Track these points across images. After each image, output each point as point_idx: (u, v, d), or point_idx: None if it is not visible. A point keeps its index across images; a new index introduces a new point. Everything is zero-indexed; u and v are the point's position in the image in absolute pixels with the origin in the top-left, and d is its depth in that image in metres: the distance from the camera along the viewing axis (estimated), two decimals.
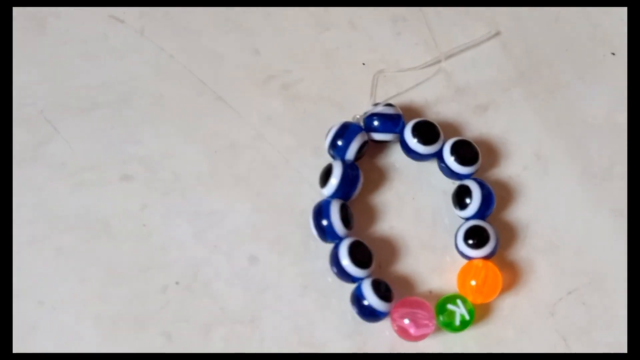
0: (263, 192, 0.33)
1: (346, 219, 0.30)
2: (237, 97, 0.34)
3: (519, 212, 0.32)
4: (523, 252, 0.32)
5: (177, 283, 0.31)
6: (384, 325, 0.30)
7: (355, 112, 0.33)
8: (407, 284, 0.31)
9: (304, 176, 0.33)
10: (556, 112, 0.34)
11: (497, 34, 0.35)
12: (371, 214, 0.32)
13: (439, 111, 0.34)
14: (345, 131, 0.32)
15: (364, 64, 0.35)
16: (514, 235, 0.32)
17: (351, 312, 0.30)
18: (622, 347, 0.30)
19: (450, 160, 0.31)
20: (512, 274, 0.32)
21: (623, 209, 0.32)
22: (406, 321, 0.29)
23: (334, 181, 0.31)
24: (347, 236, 0.30)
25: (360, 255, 0.30)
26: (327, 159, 0.32)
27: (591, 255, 0.32)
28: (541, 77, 0.35)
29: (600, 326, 0.31)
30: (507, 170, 0.33)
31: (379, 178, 0.33)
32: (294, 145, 0.33)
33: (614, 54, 0.35)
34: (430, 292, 0.31)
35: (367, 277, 0.30)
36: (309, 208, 0.31)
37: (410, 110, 0.34)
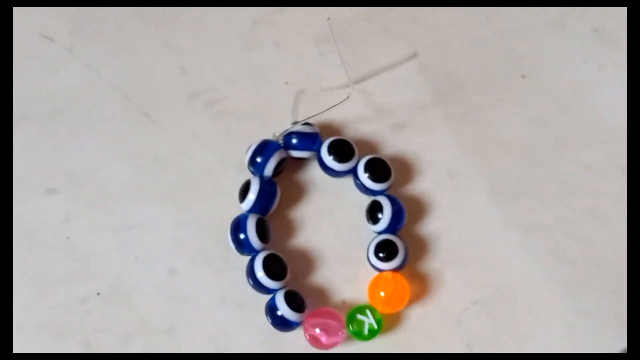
0: (186, 207, 0.34)
1: (262, 233, 0.32)
2: (163, 114, 0.35)
3: (431, 226, 0.34)
4: (433, 264, 0.33)
5: (98, 294, 0.32)
6: (298, 334, 0.31)
7: (277, 130, 0.34)
8: (322, 295, 0.33)
9: (226, 191, 0.34)
10: (470, 132, 0.36)
11: (415, 55, 0.37)
12: (289, 228, 0.34)
13: (357, 129, 0.35)
14: (264, 148, 0.33)
15: (286, 83, 0.36)
16: (425, 248, 0.34)
17: (266, 322, 0.31)
18: (518, 348, 0.32)
19: (364, 177, 0.33)
20: (421, 285, 0.33)
21: (527, 225, 0.34)
22: (317, 330, 0.31)
23: (252, 196, 0.32)
24: (263, 249, 0.32)
25: (275, 267, 0.31)
26: (249, 175, 0.33)
27: (496, 267, 0.33)
28: (457, 98, 0.36)
29: (501, 335, 0.32)
30: (421, 186, 0.35)
31: (297, 193, 0.34)
32: (217, 161, 0.35)
33: (524, 76, 0.37)
34: (344, 302, 0.33)
35: (282, 288, 0.31)
36: (227, 221, 0.32)
37: (329, 129, 0.35)
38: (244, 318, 0.32)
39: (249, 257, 0.32)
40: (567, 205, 0.34)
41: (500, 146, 0.35)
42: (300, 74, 0.36)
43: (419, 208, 0.34)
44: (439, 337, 0.32)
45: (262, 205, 0.32)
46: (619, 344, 0.32)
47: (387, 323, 0.32)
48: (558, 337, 0.32)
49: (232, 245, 0.32)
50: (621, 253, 0.34)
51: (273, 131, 0.34)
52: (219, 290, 0.32)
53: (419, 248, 0.34)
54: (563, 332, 0.32)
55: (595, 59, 0.37)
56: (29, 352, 0.30)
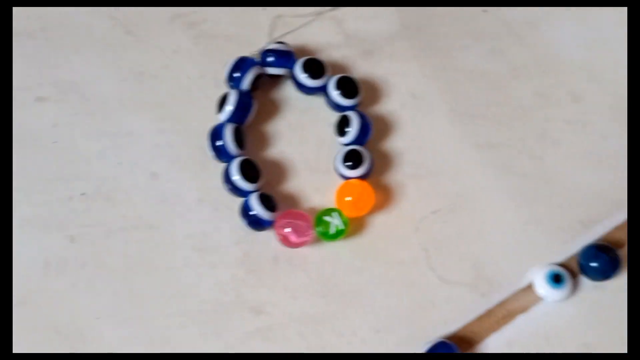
0: (167, 117, 0.36)
1: (239, 140, 0.34)
2: (146, 32, 0.37)
3: (394, 143, 0.37)
4: (396, 177, 0.36)
5: (82, 194, 0.34)
6: (270, 234, 0.34)
7: (254, 49, 0.36)
8: (293, 201, 0.35)
9: (205, 104, 0.36)
10: (434, 60, 0.39)
11: None
12: (264, 140, 0.36)
13: (330, 54, 0.38)
14: (242, 64, 0.35)
15: (264, 8, 0.38)
16: (389, 162, 0.36)
17: (241, 224, 0.34)
18: (472, 257, 0.35)
19: (334, 93, 0.36)
20: (385, 195, 0.36)
21: (483, 143, 0.37)
22: (287, 230, 0.33)
23: (229, 107, 0.34)
24: (239, 155, 0.34)
25: (249, 171, 0.34)
26: (226, 89, 0.36)
27: (453, 181, 0.36)
28: (423, 29, 0.39)
29: (455, 240, 0.35)
30: (386, 106, 0.37)
31: (272, 109, 0.37)
32: (196, 76, 0.37)
33: (485, 11, 0.40)
34: (313, 208, 0.35)
35: (255, 191, 0.34)
36: (206, 132, 0.35)
37: (303, 51, 0.38)
38: (220, 219, 0.34)
39: (225, 163, 0.34)
40: (519, 127, 0.37)
41: (461, 73, 0.38)
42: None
43: (385, 126, 0.37)
44: (399, 242, 0.35)
45: (238, 116, 0.35)
46: (562, 254, 0.35)
47: (351, 227, 0.35)
48: (508, 242, 0.35)
49: (210, 152, 0.34)
50: (568, 171, 0.37)
51: (251, 51, 0.36)
52: (197, 192, 0.35)
53: (384, 162, 0.36)
54: (512, 238, 0.35)
55: None
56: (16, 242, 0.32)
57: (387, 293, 0.34)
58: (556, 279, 0.34)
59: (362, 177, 0.35)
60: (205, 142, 0.35)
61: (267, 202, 0.33)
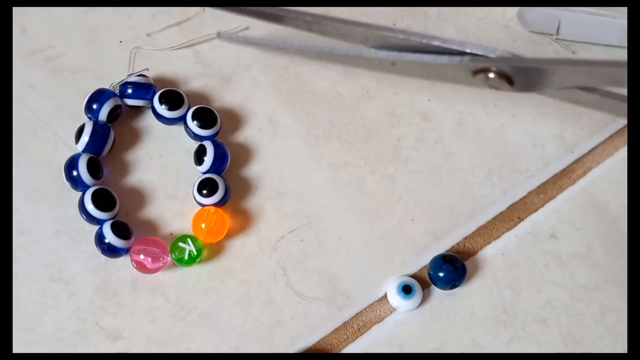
0: (21, 151, 0.37)
1: (94, 170, 0.35)
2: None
3: (253, 168, 0.38)
4: (254, 201, 0.37)
5: None
6: (126, 261, 0.35)
7: (113, 82, 0.37)
8: (152, 227, 0.36)
9: (61, 137, 0.37)
10: (288, 84, 0.40)
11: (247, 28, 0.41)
12: (123, 169, 0.37)
13: (188, 83, 0.39)
14: (100, 96, 0.36)
15: (121, 41, 0.39)
16: (248, 187, 0.38)
17: (98, 252, 0.35)
18: (329, 273, 0.37)
19: (192, 124, 0.37)
20: (243, 219, 0.37)
21: (338, 163, 0.39)
22: (142, 256, 0.34)
23: (85, 138, 0.35)
24: (94, 185, 0.35)
25: (103, 200, 0.35)
26: (84, 122, 0.36)
27: (310, 201, 0.38)
28: (277, 55, 0.41)
29: (312, 257, 0.37)
30: (245, 133, 0.39)
31: (132, 139, 0.38)
32: (53, 109, 0.38)
33: None
34: (171, 234, 0.36)
35: (111, 219, 0.35)
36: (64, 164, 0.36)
37: (162, 82, 0.39)
38: (77, 249, 0.35)
39: (77, 203, 0.35)
40: (373, 147, 0.39)
41: (314, 96, 0.40)
42: (134, 32, 0.40)
43: (244, 152, 0.38)
44: (257, 262, 0.36)
45: (95, 146, 0.36)
46: (414, 265, 0.37)
47: (210, 252, 0.36)
48: (363, 256, 0.37)
49: (66, 182, 0.35)
50: (419, 187, 0.39)
51: (110, 83, 0.37)
52: (53, 224, 0.36)
53: (243, 187, 0.38)
54: (367, 252, 0.37)
55: None
56: None
57: (245, 312, 0.35)
58: (406, 290, 0.36)
59: (218, 204, 0.36)
60: (62, 174, 0.35)
61: (121, 230, 0.34)
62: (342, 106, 0.40)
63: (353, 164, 0.39)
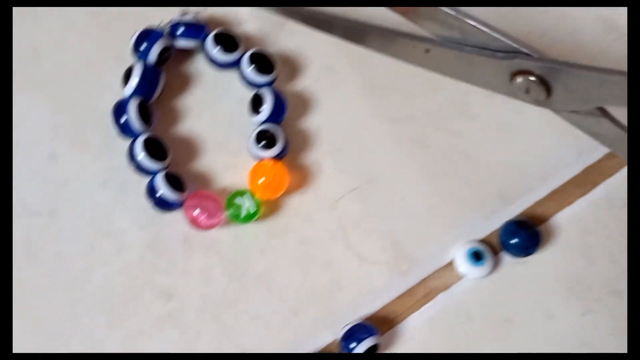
0: (64, 96, 0.34)
1: (144, 116, 0.32)
2: (40, 7, 0.35)
3: (310, 120, 0.35)
4: (312, 156, 0.35)
5: None
6: (178, 217, 0.32)
7: (162, 20, 0.34)
8: (204, 181, 0.34)
9: (106, 81, 0.34)
10: None
11: None
12: (172, 116, 0.34)
13: (243, 26, 0.36)
14: (148, 36, 0.33)
15: None
16: (305, 141, 0.35)
17: (148, 205, 0.32)
18: (392, 235, 0.34)
19: (249, 69, 0.34)
20: (301, 175, 0.34)
21: (398, 118, 0.36)
22: (196, 212, 0.31)
23: (135, 80, 0.32)
24: (144, 132, 0.32)
25: (155, 149, 0.32)
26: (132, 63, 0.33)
27: (371, 158, 0.35)
28: None
29: (374, 218, 0.34)
30: (302, 82, 0.36)
31: (181, 85, 0.35)
32: (95, 52, 0.35)
33: None
34: (225, 189, 0.34)
35: (162, 170, 0.32)
36: (110, 110, 0.33)
37: (215, 24, 0.36)
38: (125, 201, 0.33)
39: (126, 153, 0.32)
40: (436, 100, 0.36)
41: None
42: None
43: (301, 102, 0.35)
44: (316, 221, 0.34)
45: (144, 90, 0.33)
46: (483, 230, 0.35)
47: (266, 209, 0.33)
48: (428, 219, 0.35)
49: (114, 129, 0.32)
50: (487, 145, 0.36)
51: (159, 23, 0.34)
52: (100, 174, 0.33)
53: (300, 140, 0.35)
54: (432, 214, 0.35)
55: None
56: None
57: (304, 274, 0.33)
58: (476, 256, 0.33)
59: (276, 158, 0.33)
60: (108, 121, 0.32)
61: (175, 182, 0.32)
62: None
63: (416, 119, 0.36)
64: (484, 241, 0.35)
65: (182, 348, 0.31)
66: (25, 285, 0.31)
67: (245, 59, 0.34)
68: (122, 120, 0.32)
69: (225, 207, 0.32)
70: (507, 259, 0.35)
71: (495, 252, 0.34)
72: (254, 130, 0.33)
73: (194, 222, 0.31)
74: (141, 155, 0.31)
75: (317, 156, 0.35)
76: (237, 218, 0.32)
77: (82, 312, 0.31)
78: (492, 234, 0.35)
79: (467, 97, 0.36)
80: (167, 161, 0.32)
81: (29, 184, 0.32)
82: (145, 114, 0.32)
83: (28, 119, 0.33)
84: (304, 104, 0.35)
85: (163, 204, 0.31)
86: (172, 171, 0.32)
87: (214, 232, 0.33)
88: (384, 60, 0.35)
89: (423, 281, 0.34)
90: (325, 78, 0.36)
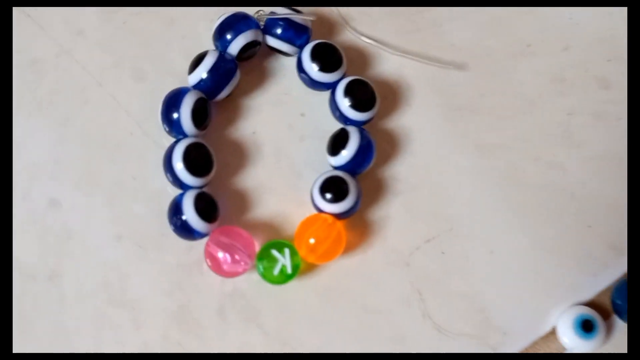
0: (69, 121, 0.28)
1: (200, 117, 0.27)
2: (40, 7, 0.29)
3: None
4: (382, 201, 0.29)
5: None
6: (212, 280, 0.27)
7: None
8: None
9: (120, 103, 0.29)
10: (422, 33, 0.31)
11: None
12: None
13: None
14: (237, 23, 0.28)
15: None
16: (376, 184, 0.29)
17: (172, 265, 0.27)
18: (477, 298, 0.28)
19: (343, 99, 0.28)
20: (365, 223, 0.28)
21: (485, 146, 0.30)
22: (220, 254, 0.26)
23: (203, 71, 0.27)
24: (195, 135, 0.27)
25: (198, 160, 0.26)
26: (152, 83, 0.28)
27: (452, 199, 0.29)
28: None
29: (456, 276, 0.28)
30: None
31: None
32: (109, 64, 0.29)
33: None
34: (265, 231, 0.28)
35: (198, 188, 0.26)
36: (125, 141, 0.28)
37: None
38: (144, 259, 0.27)
39: (163, 157, 0.27)
40: (533, 124, 0.30)
41: (456, 50, 0.31)
42: None
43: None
44: (383, 282, 0.28)
45: (212, 85, 0.27)
46: (590, 289, 0.29)
47: (319, 267, 0.28)
48: (521, 277, 0.29)
49: (161, 123, 0.27)
50: (595, 180, 0.30)
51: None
52: (113, 225, 0.27)
53: (368, 185, 0.29)
54: (526, 271, 0.29)
55: None
56: None
57: (372, 350, 0.27)
58: (586, 326, 0.28)
59: (341, 216, 0.27)
60: (123, 156, 0.28)
61: (206, 206, 0.26)
62: (493, 65, 0.30)
63: (508, 147, 0.30)
64: (592, 304, 0.29)
65: None
66: None
67: (342, 86, 0.28)
68: (173, 115, 0.26)
69: (257, 256, 0.26)
70: (620, 325, 0.29)
71: (605, 317, 0.29)
72: (323, 174, 0.27)
73: (215, 263, 0.26)
74: (180, 165, 0.26)
75: (385, 196, 0.29)
76: (266, 275, 0.26)
77: None
78: (601, 293, 0.29)
79: (571, 118, 0.30)
80: (208, 178, 0.26)
81: (25, 238, 0.27)
82: (201, 114, 0.27)
83: (26, 150, 0.28)
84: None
85: (184, 229, 0.26)
86: (207, 192, 0.26)
87: (255, 299, 0.27)
88: (470, 72, 0.30)
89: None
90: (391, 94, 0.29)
